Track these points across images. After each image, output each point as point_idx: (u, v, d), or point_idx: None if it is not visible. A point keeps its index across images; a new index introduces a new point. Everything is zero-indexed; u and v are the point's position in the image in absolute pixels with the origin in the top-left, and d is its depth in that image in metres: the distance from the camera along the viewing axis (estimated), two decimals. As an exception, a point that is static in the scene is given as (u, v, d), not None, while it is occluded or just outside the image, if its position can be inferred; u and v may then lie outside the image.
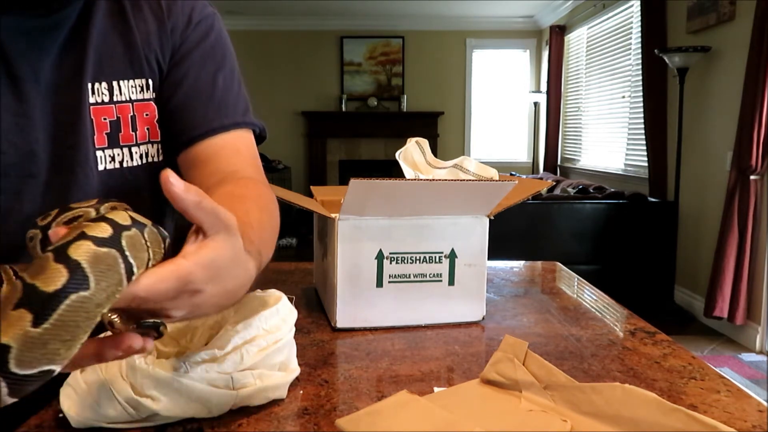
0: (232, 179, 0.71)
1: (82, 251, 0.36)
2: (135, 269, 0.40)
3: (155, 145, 0.74)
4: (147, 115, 0.73)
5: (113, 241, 0.38)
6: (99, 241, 0.37)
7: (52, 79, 0.66)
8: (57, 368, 0.37)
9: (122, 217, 0.40)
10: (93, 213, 0.50)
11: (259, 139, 0.82)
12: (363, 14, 6.51)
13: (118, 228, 0.39)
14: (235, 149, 0.75)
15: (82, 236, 0.37)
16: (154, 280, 0.40)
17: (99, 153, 0.70)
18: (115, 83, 0.70)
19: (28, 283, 0.34)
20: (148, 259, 0.41)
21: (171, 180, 0.39)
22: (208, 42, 0.76)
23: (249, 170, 0.74)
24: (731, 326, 3.13)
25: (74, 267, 0.35)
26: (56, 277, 0.34)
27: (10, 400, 0.35)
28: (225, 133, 0.75)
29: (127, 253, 0.39)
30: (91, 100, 0.69)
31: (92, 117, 0.69)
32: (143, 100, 0.73)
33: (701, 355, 2.94)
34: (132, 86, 0.72)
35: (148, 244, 0.41)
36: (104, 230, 0.38)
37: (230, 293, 0.47)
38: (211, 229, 0.43)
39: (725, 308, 3.06)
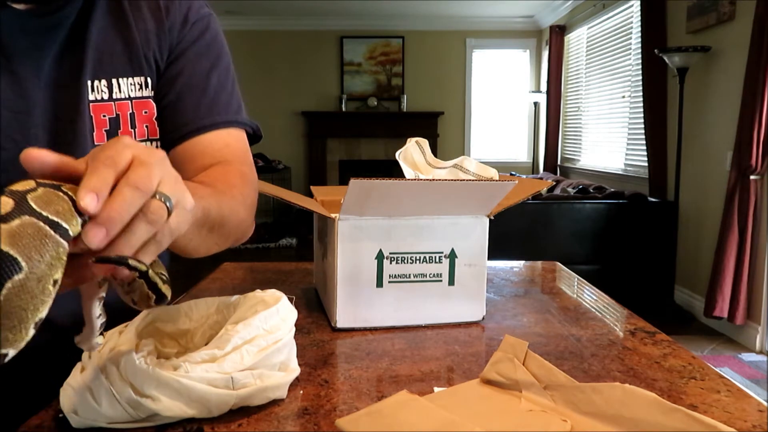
0: (212, 167, 0.73)
1: None
2: (63, 224, 0.37)
3: (153, 143, 0.75)
4: (146, 112, 0.74)
5: (21, 209, 0.36)
6: (5, 218, 0.35)
7: (52, 76, 0.67)
8: (9, 351, 0.36)
9: (23, 184, 0.38)
10: None
11: (254, 138, 0.83)
12: (363, 14, 6.51)
13: (19, 194, 0.36)
14: (224, 143, 0.76)
15: None
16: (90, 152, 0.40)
17: None
18: (114, 81, 0.71)
19: None
20: (79, 211, 0.38)
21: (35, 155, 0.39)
22: (203, 41, 0.78)
23: (234, 161, 0.76)
24: (731, 326, 3.13)
25: None
26: None
27: None
28: (216, 131, 0.76)
29: (44, 213, 0.36)
30: (91, 97, 0.69)
31: (92, 114, 0.69)
32: (142, 97, 0.73)
33: (701, 355, 2.94)
34: (131, 84, 0.72)
35: (70, 193, 0.38)
36: (5, 204, 0.35)
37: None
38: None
39: (725, 308, 3.06)
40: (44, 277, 0.36)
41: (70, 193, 0.39)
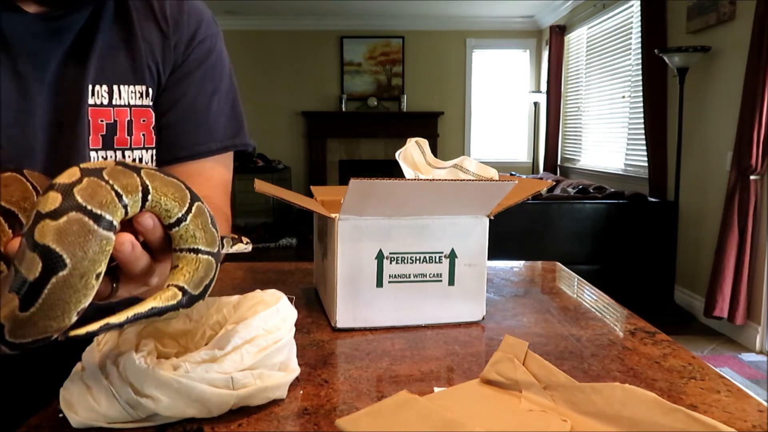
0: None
1: (45, 232, 0.37)
2: (109, 216, 0.40)
3: (149, 151, 0.76)
4: (144, 121, 0.74)
5: (68, 205, 0.38)
6: (54, 213, 0.37)
7: (55, 79, 0.67)
8: (53, 335, 0.39)
9: (69, 175, 0.40)
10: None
11: (248, 155, 0.86)
12: (363, 14, 6.51)
13: (66, 188, 0.39)
14: (207, 177, 0.80)
15: (39, 216, 0.37)
16: None
17: (93, 154, 0.71)
18: (115, 87, 0.71)
19: (17, 268, 0.37)
20: (120, 197, 0.41)
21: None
22: (209, 63, 0.79)
23: (215, 198, 0.80)
24: (731, 326, 3.13)
25: (44, 252, 0.36)
26: (34, 266, 0.36)
27: (11, 352, 0.39)
28: (207, 158, 0.80)
29: (88, 206, 0.38)
30: (90, 101, 0.69)
31: (89, 118, 0.70)
32: (142, 106, 0.74)
33: (701, 355, 2.94)
34: (132, 92, 0.73)
35: (111, 182, 0.41)
36: (54, 200, 0.38)
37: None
38: None
39: (725, 308, 3.06)
40: (87, 273, 0.38)
41: (111, 180, 0.41)
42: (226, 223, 0.80)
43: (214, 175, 0.81)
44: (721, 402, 0.60)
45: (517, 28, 6.82)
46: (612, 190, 3.90)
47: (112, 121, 0.71)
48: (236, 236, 0.63)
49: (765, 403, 0.60)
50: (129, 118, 0.73)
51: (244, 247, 0.65)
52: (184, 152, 0.78)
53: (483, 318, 0.87)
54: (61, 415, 0.54)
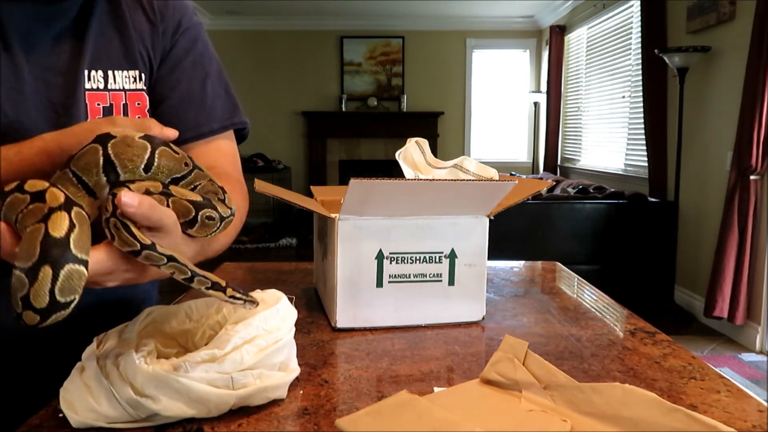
0: (213, 174, 0.75)
1: None
2: None
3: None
4: (138, 104, 0.77)
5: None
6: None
7: (49, 61, 0.70)
8: None
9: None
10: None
11: (241, 137, 0.89)
12: (363, 14, 6.51)
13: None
14: (218, 149, 0.83)
15: None
16: (96, 258, 0.47)
17: None
18: (110, 72, 0.74)
19: None
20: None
21: (124, 200, 0.46)
22: (196, 50, 0.83)
23: (228, 168, 0.82)
24: (731, 326, 3.13)
25: None
26: None
27: None
28: (212, 137, 0.82)
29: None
30: (87, 85, 0.72)
31: (87, 101, 0.72)
32: (135, 90, 0.77)
33: (701, 355, 2.94)
34: (125, 76, 0.76)
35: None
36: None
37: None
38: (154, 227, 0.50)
39: (725, 308, 3.06)
40: None
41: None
42: (241, 194, 0.81)
43: (223, 147, 0.84)
44: (721, 402, 0.60)
45: (517, 28, 6.82)
46: (612, 190, 3.90)
47: (108, 104, 0.74)
48: (222, 282, 0.55)
49: (765, 403, 0.60)
50: (124, 102, 0.75)
51: (234, 302, 0.56)
52: (190, 134, 0.80)
53: (483, 318, 0.87)
54: (61, 415, 0.54)
